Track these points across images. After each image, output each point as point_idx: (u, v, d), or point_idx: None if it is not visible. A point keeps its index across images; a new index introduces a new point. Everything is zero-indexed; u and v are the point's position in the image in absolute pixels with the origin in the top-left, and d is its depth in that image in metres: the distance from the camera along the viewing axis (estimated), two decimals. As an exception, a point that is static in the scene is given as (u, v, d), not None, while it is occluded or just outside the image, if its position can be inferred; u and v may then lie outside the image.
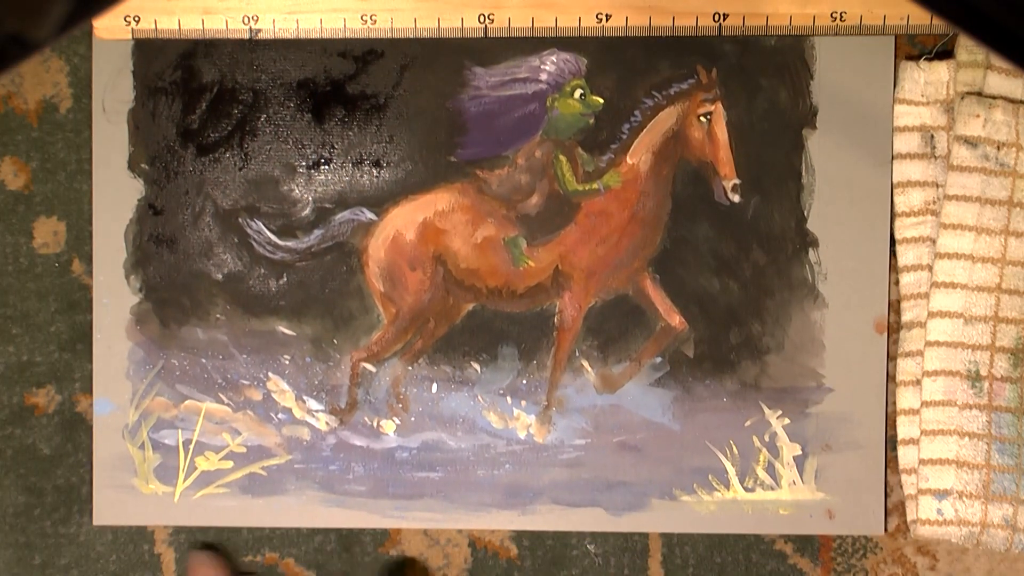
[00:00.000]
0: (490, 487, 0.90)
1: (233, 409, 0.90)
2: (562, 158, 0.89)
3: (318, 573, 0.91)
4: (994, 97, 0.87)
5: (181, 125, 0.90)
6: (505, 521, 0.90)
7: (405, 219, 0.90)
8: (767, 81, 0.89)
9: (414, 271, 0.90)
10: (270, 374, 0.90)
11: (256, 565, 0.91)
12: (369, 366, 0.90)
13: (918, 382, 0.88)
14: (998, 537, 0.87)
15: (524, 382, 0.90)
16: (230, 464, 0.90)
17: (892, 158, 0.89)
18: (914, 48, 0.90)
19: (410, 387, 0.90)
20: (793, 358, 0.89)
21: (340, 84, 0.89)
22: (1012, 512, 0.87)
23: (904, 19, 0.87)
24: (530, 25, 0.88)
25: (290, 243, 0.90)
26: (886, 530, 0.90)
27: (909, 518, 0.88)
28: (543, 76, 0.89)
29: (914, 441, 0.88)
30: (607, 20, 0.88)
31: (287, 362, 0.90)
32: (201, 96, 0.90)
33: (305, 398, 0.90)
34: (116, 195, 0.90)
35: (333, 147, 0.90)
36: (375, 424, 0.90)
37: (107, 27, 0.89)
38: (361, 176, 0.90)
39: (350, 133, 0.90)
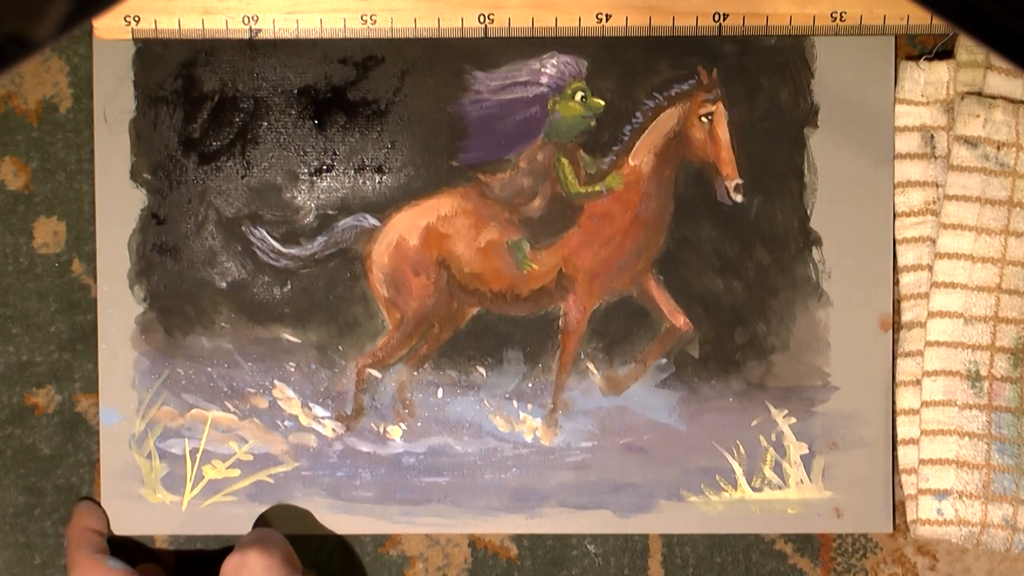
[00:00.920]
0: (497, 491, 0.90)
1: (239, 417, 0.90)
2: (564, 161, 0.89)
3: (318, 573, 0.91)
4: (994, 97, 0.87)
5: (183, 134, 0.89)
6: (512, 525, 0.90)
7: (408, 224, 0.90)
8: (768, 81, 0.89)
9: (418, 276, 0.90)
10: (276, 381, 0.90)
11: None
12: (375, 372, 0.90)
13: (918, 382, 0.89)
14: (998, 537, 0.87)
15: (530, 385, 0.90)
16: (237, 472, 0.90)
17: (892, 157, 0.89)
18: (914, 48, 0.90)
19: (416, 392, 0.90)
20: (798, 357, 0.90)
21: (341, 90, 0.89)
22: (1012, 512, 0.87)
23: (904, 19, 0.87)
24: (530, 25, 0.88)
25: (293, 250, 0.90)
26: (895, 527, 0.91)
27: (909, 518, 0.89)
28: (544, 79, 0.89)
29: (914, 441, 0.89)
30: (607, 20, 0.88)
31: (292, 369, 0.90)
32: (202, 105, 0.89)
33: (311, 405, 0.90)
34: (119, 205, 0.89)
35: (335, 153, 0.90)
36: (381, 430, 0.90)
37: (107, 27, 0.88)
38: (363, 182, 0.90)
39: (352, 139, 0.89)
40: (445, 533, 0.91)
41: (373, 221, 0.90)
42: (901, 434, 0.89)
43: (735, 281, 0.90)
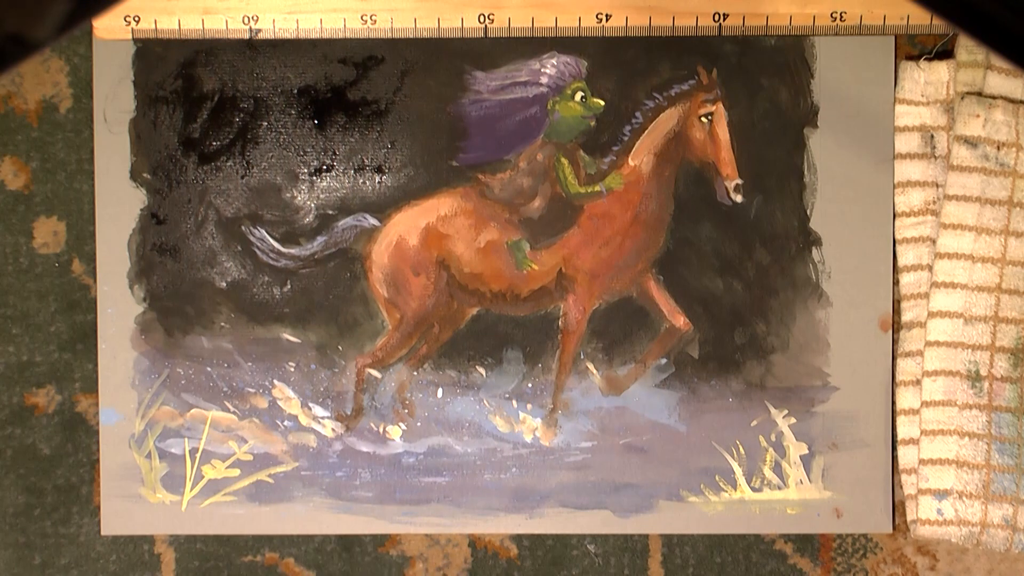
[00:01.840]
0: (497, 491, 0.90)
1: (239, 417, 0.90)
2: (564, 161, 0.89)
3: (318, 573, 0.91)
4: (994, 97, 0.87)
5: (183, 134, 0.89)
6: (512, 525, 0.90)
7: (408, 224, 0.90)
8: (768, 81, 0.89)
9: (418, 276, 0.90)
10: (275, 381, 0.90)
11: (256, 565, 0.91)
12: (374, 372, 0.90)
13: (918, 382, 0.89)
14: (998, 537, 0.87)
15: (529, 385, 0.90)
16: (237, 472, 0.90)
17: (893, 157, 0.89)
18: (914, 48, 0.90)
19: (416, 392, 0.90)
20: (798, 357, 0.90)
21: (341, 90, 0.89)
22: (1012, 512, 0.87)
23: (904, 19, 0.87)
24: (530, 25, 0.88)
25: (293, 250, 0.90)
26: (895, 527, 0.91)
27: (909, 518, 0.89)
28: (543, 79, 0.89)
29: (914, 441, 0.89)
30: (607, 20, 0.88)
31: (292, 369, 0.90)
32: (202, 105, 0.89)
33: (311, 405, 0.90)
34: (119, 205, 0.90)
35: (335, 153, 0.90)
36: (381, 430, 0.90)
37: (107, 27, 0.88)
38: (363, 182, 0.90)
39: (352, 139, 0.89)
40: (445, 533, 0.91)
41: (373, 221, 0.90)
42: (901, 434, 0.89)
43: (735, 281, 0.90)
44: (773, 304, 0.90)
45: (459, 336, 0.90)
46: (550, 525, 0.90)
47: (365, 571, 0.91)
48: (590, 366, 0.90)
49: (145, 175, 0.90)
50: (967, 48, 0.88)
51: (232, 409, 0.90)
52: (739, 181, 0.89)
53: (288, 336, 0.90)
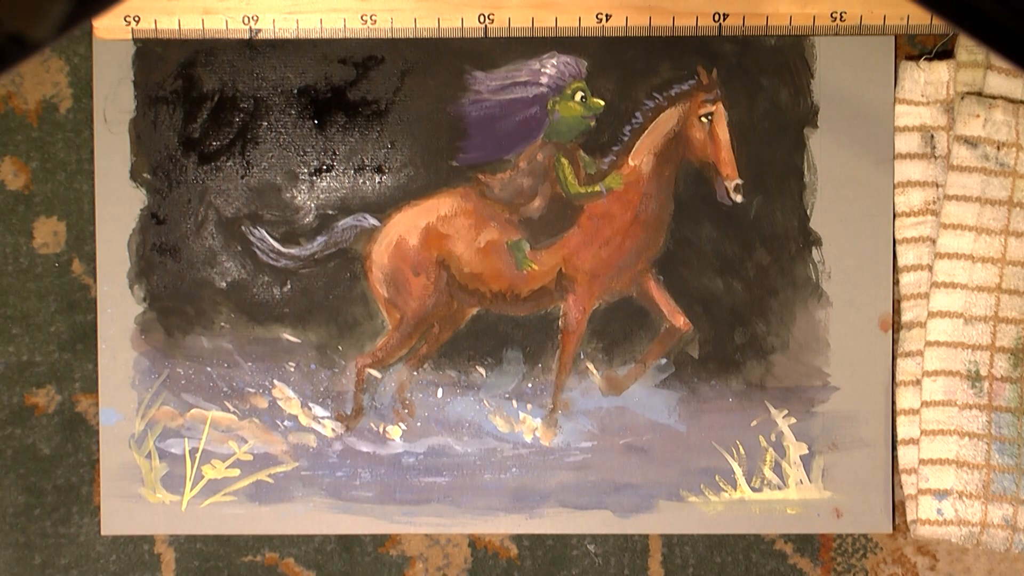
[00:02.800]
0: (497, 491, 0.90)
1: (239, 417, 0.90)
2: (564, 161, 0.89)
3: (318, 573, 0.91)
4: (994, 97, 0.87)
5: (182, 134, 0.89)
6: (512, 525, 0.90)
7: (408, 224, 0.90)
8: (768, 81, 0.89)
9: (418, 276, 0.90)
10: (275, 381, 0.90)
11: (256, 565, 0.91)
12: (374, 372, 0.90)
13: (918, 382, 0.89)
14: (998, 537, 0.87)
15: (529, 385, 0.90)
16: (237, 472, 0.90)
17: (893, 157, 0.89)
18: (914, 48, 0.90)
19: (416, 392, 0.90)
20: (798, 357, 0.90)
21: (341, 90, 0.89)
22: (1012, 512, 0.87)
23: (904, 19, 0.87)
24: (530, 25, 0.88)
25: (293, 250, 0.90)
26: (895, 527, 0.91)
27: (909, 518, 0.89)
28: (543, 79, 0.89)
29: (914, 441, 0.89)
30: (607, 20, 0.88)
31: (292, 369, 0.90)
32: (202, 105, 0.89)
33: (311, 405, 0.90)
34: (118, 205, 0.90)
35: (335, 153, 0.90)
36: (381, 430, 0.90)
37: (107, 27, 0.88)
38: (363, 182, 0.90)
39: (352, 139, 0.89)
40: (445, 533, 0.91)
41: (373, 221, 0.90)
42: (901, 434, 0.89)
43: (735, 281, 0.90)
44: (773, 304, 0.90)
45: (459, 336, 0.90)
46: (550, 525, 0.90)
47: (365, 571, 0.91)
48: (590, 366, 0.90)
49: (145, 175, 0.90)
50: (967, 48, 0.88)
51: (232, 409, 0.90)
52: (739, 181, 0.89)
53: (288, 336, 0.90)
